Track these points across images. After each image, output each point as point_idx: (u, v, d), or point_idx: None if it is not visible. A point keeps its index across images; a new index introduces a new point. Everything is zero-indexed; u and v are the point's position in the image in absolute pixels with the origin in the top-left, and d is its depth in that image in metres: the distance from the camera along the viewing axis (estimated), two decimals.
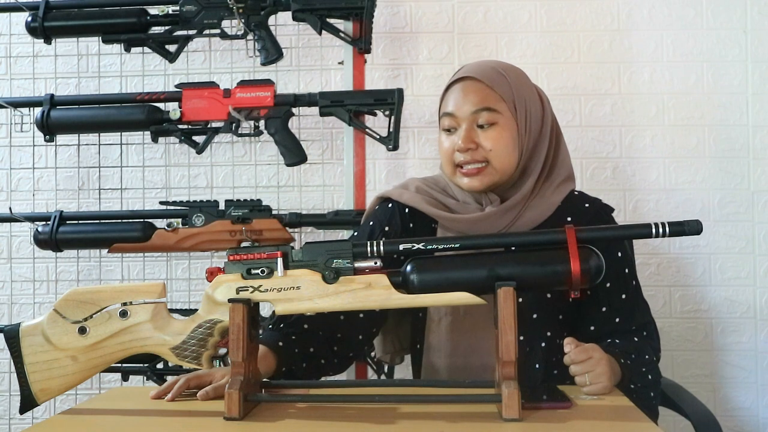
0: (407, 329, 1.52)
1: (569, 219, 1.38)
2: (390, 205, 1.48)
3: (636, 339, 1.36)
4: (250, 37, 1.94)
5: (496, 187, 1.39)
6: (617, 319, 1.37)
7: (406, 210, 1.45)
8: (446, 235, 1.40)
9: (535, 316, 1.35)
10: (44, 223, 1.90)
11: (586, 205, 1.43)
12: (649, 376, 1.30)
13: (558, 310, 1.37)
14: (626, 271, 1.39)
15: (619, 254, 1.38)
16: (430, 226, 1.43)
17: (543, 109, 1.42)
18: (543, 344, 1.36)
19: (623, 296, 1.38)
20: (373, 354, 1.73)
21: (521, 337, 1.30)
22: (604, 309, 1.37)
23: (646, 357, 1.32)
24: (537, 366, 1.35)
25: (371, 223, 1.48)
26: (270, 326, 1.38)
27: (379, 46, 2.22)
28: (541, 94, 1.44)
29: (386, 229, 1.45)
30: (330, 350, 1.37)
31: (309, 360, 1.34)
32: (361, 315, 1.38)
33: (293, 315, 1.35)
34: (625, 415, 1.06)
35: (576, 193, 1.45)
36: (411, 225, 1.45)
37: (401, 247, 1.08)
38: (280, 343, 1.31)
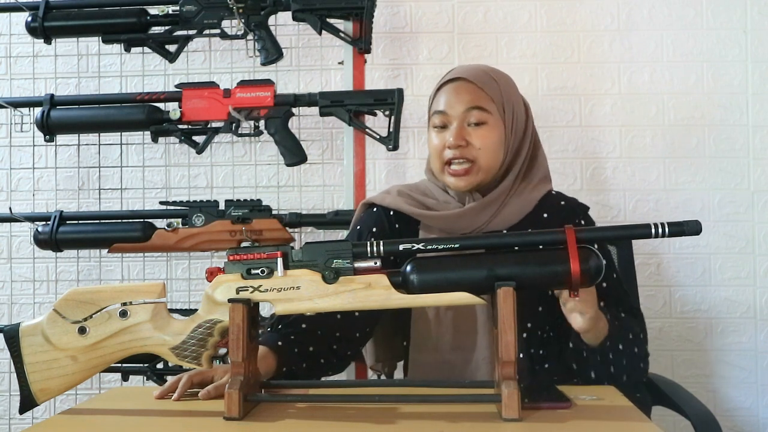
0: (399, 337, 1.53)
1: (545, 215, 1.44)
2: (375, 209, 1.51)
3: (623, 315, 1.37)
4: (250, 37, 1.94)
5: (481, 186, 1.43)
6: (601, 303, 1.38)
7: (391, 212, 1.49)
8: (428, 234, 1.43)
9: None
10: (44, 223, 1.90)
11: (562, 202, 1.48)
12: (631, 336, 1.33)
13: (537, 302, 1.39)
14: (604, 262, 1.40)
15: (595, 246, 1.39)
16: (415, 227, 1.46)
17: (526, 114, 1.49)
18: (524, 335, 1.38)
19: (604, 284, 1.39)
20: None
21: None
22: None
23: (634, 329, 1.34)
24: (521, 356, 1.36)
25: (358, 227, 1.51)
26: (269, 328, 1.39)
27: (379, 46, 2.22)
28: (525, 100, 1.50)
29: (374, 230, 1.48)
30: (329, 349, 1.38)
31: (309, 359, 1.34)
32: (357, 313, 1.38)
33: (291, 315, 1.35)
34: (625, 415, 1.06)
35: (553, 192, 1.50)
36: (397, 226, 1.48)
37: (401, 247, 1.08)
38: (280, 343, 1.31)
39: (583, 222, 1.46)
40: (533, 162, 1.48)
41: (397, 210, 1.48)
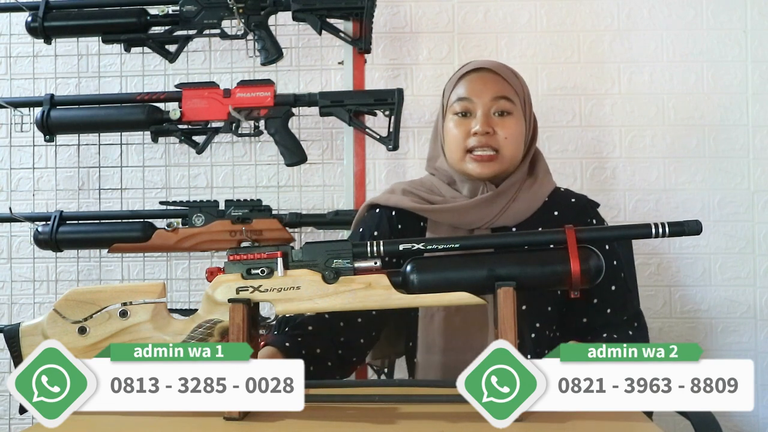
0: (398, 332, 1.52)
1: (556, 213, 1.43)
2: (377, 210, 1.50)
3: (631, 333, 1.38)
4: (250, 37, 1.94)
5: (498, 178, 1.43)
6: (608, 310, 1.40)
7: (393, 213, 1.47)
8: (436, 231, 1.43)
9: (524, 307, 1.37)
10: (44, 223, 1.90)
11: (573, 200, 1.48)
12: None
13: (546, 302, 1.40)
14: (614, 263, 1.41)
15: (606, 247, 1.39)
16: (419, 225, 1.45)
17: (535, 122, 1.50)
18: (533, 335, 1.38)
19: (613, 287, 1.40)
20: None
21: None
22: (595, 301, 1.40)
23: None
24: (528, 357, 1.36)
25: (360, 229, 1.50)
26: (275, 332, 1.39)
27: (379, 46, 2.22)
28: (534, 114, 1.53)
29: (375, 233, 1.46)
30: (335, 353, 1.38)
31: (316, 362, 1.34)
32: (359, 320, 1.38)
33: (297, 318, 1.35)
34: (625, 415, 1.06)
35: (561, 189, 1.50)
36: (399, 227, 1.46)
37: (401, 247, 1.08)
38: (287, 344, 1.31)
39: (594, 221, 1.46)
40: (535, 160, 1.50)
41: (401, 209, 1.46)
